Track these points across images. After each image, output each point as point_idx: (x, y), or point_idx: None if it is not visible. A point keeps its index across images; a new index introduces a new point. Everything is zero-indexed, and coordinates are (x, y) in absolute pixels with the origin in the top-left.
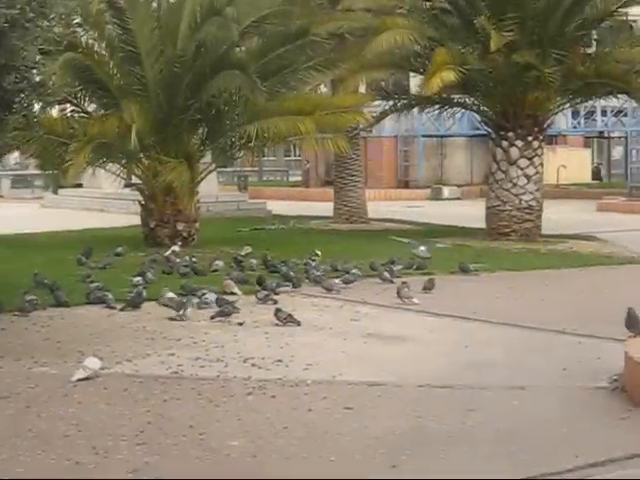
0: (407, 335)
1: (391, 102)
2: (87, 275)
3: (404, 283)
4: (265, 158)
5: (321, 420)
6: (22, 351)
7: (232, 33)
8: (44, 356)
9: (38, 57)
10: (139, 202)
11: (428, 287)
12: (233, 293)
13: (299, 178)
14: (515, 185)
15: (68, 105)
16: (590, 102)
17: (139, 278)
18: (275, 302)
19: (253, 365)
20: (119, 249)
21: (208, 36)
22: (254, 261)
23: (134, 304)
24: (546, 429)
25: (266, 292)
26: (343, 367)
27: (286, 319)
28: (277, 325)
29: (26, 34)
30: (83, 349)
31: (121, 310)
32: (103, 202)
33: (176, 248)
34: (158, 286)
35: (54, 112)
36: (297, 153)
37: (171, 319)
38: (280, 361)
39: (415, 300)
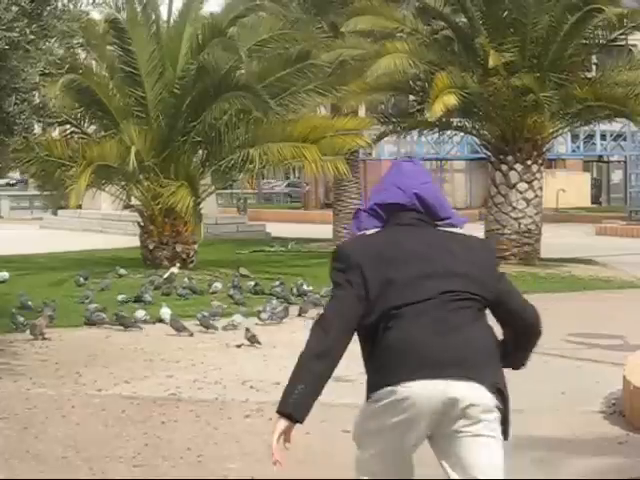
0: None
1: (390, 125)
2: (86, 296)
3: None
4: (264, 180)
5: (320, 443)
6: (20, 372)
7: (237, 53)
8: (42, 377)
9: (38, 79)
10: (138, 223)
11: None
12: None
13: (298, 201)
14: (514, 209)
15: (68, 126)
16: (589, 126)
17: (123, 296)
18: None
19: (251, 387)
20: (118, 270)
21: (210, 58)
22: (251, 283)
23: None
24: (544, 453)
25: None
26: (342, 390)
27: (250, 339)
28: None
29: (27, 56)
30: (81, 370)
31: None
32: (102, 223)
33: (175, 270)
34: (157, 307)
35: (54, 133)
36: (297, 175)
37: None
38: (278, 383)
39: None
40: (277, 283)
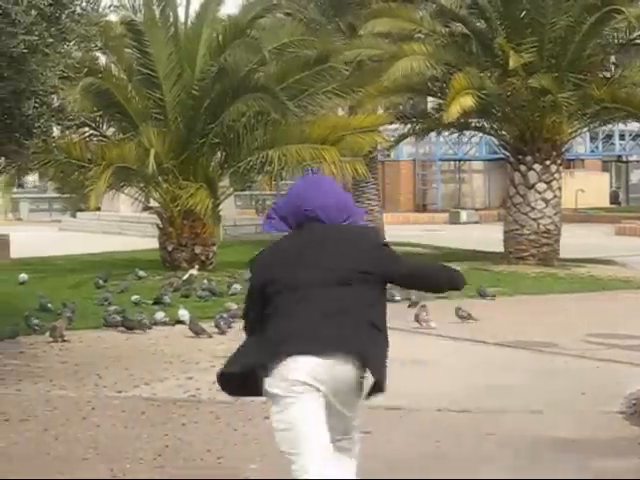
0: (425, 359)
1: (409, 125)
2: (105, 298)
3: (423, 307)
4: (282, 182)
5: None
6: (40, 374)
7: (260, 52)
8: (62, 379)
9: (57, 82)
10: (157, 225)
11: (464, 317)
12: None
13: None
14: (533, 209)
15: (87, 129)
16: (608, 126)
17: (136, 297)
18: None
19: None
20: (137, 272)
21: (230, 59)
22: None
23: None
24: (564, 453)
25: None
26: None
27: None
28: None
29: (46, 59)
30: (101, 372)
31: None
32: (121, 225)
33: (194, 271)
34: (176, 309)
35: (73, 136)
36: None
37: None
38: None
39: (432, 324)
40: None
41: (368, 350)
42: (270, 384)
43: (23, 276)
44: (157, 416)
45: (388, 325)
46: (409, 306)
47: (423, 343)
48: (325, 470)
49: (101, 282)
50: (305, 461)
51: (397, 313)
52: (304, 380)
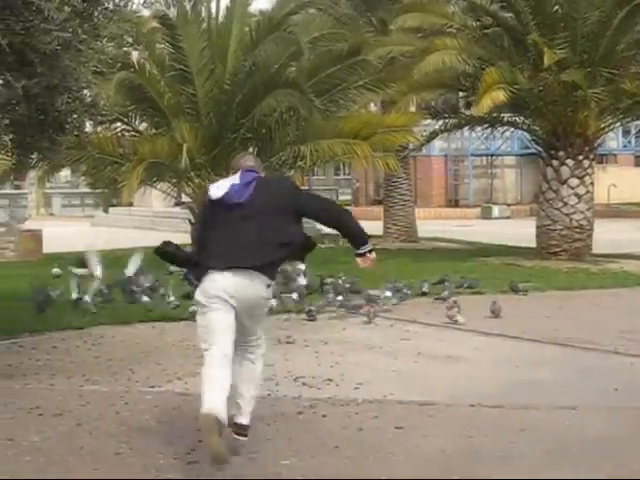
0: (457, 354)
1: (441, 121)
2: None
3: (454, 302)
4: (315, 177)
5: (372, 439)
6: (74, 369)
7: (298, 45)
8: (95, 374)
9: (90, 77)
10: (189, 220)
11: (495, 312)
12: None
13: (348, 197)
14: (566, 204)
15: (119, 124)
16: None
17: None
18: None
19: (304, 384)
20: (169, 267)
21: (261, 54)
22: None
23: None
24: (597, 449)
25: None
26: (394, 386)
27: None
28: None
29: (79, 55)
30: (134, 367)
31: None
32: (153, 220)
33: None
34: None
35: (105, 131)
36: (347, 172)
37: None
38: (331, 380)
39: (461, 319)
40: (328, 280)
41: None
42: (197, 294)
43: (57, 270)
44: (190, 411)
45: (422, 320)
46: (438, 299)
47: (455, 339)
48: (220, 370)
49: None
50: (212, 354)
51: (430, 309)
52: (218, 295)
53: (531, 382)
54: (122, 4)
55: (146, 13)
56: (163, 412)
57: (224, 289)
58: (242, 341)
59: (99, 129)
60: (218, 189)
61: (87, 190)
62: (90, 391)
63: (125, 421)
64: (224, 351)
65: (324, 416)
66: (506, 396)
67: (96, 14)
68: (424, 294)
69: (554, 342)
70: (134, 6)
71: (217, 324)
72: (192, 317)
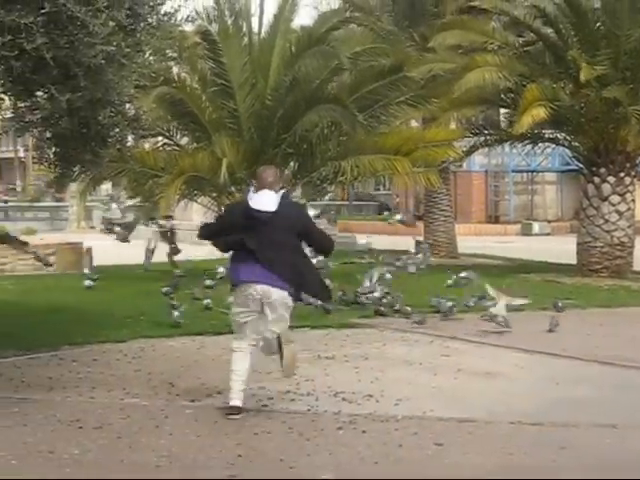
0: (497, 371)
1: (482, 138)
2: (172, 305)
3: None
4: (355, 191)
5: (411, 456)
6: (114, 382)
7: (338, 59)
8: (135, 387)
9: (133, 91)
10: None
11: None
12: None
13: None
14: (607, 221)
15: (160, 138)
16: None
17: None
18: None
19: (343, 399)
20: (208, 282)
21: (302, 69)
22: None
23: None
24: (638, 468)
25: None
26: (433, 403)
27: None
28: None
29: (122, 69)
30: (174, 381)
31: None
32: (193, 234)
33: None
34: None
35: (146, 145)
36: (387, 187)
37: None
38: (370, 396)
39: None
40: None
41: (286, 280)
42: (236, 293)
43: (89, 282)
44: (230, 425)
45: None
46: (485, 317)
47: (495, 355)
48: (243, 360)
49: (169, 290)
50: (239, 342)
51: (470, 325)
52: (252, 294)
53: (571, 400)
54: (165, 19)
55: (188, 28)
56: (203, 426)
57: (255, 291)
58: None
59: (141, 143)
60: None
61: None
62: (130, 404)
63: (165, 435)
64: (249, 341)
65: (364, 432)
66: (546, 413)
67: (139, 29)
68: (467, 310)
69: (594, 360)
70: (177, 21)
71: (245, 317)
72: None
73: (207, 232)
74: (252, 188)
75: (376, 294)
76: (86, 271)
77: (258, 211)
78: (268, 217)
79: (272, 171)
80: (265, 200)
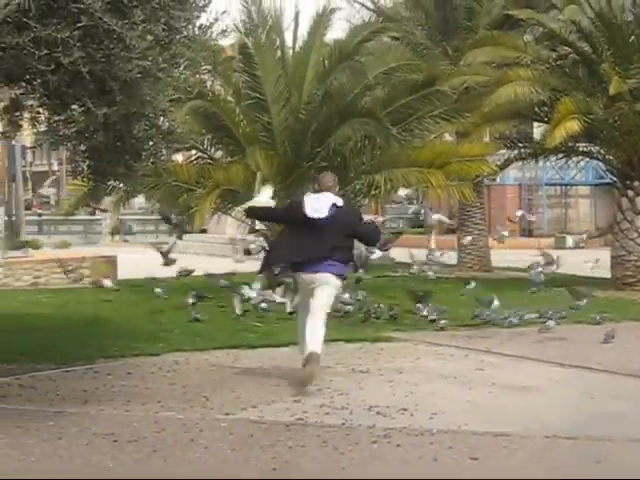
0: (532, 385)
1: (515, 151)
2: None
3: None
4: (389, 205)
5: (447, 470)
6: (148, 395)
7: (365, 76)
8: (170, 401)
9: (167, 105)
10: (263, 248)
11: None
12: None
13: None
14: None
15: (194, 152)
16: None
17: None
18: None
19: (378, 413)
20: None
21: (336, 83)
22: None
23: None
24: None
25: None
26: (468, 417)
27: None
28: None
29: (157, 83)
30: (208, 394)
31: None
32: (226, 248)
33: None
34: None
35: (180, 158)
36: (420, 201)
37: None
38: (405, 410)
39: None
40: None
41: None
42: (296, 277)
43: (158, 290)
44: (264, 439)
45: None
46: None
47: (530, 369)
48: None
49: (193, 300)
50: (302, 315)
51: (503, 339)
52: (306, 279)
53: (607, 414)
54: (201, 32)
55: (222, 42)
56: (238, 440)
57: (307, 277)
58: None
59: (175, 156)
60: (312, 210)
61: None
62: (165, 418)
63: (200, 448)
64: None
65: (398, 446)
66: (581, 428)
67: (175, 41)
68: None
69: (630, 374)
70: (212, 34)
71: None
72: (267, 344)
73: (263, 216)
74: (306, 195)
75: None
76: (107, 284)
77: (313, 219)
78: (321, 222)
79: (331, 177)
80: (318, 206)
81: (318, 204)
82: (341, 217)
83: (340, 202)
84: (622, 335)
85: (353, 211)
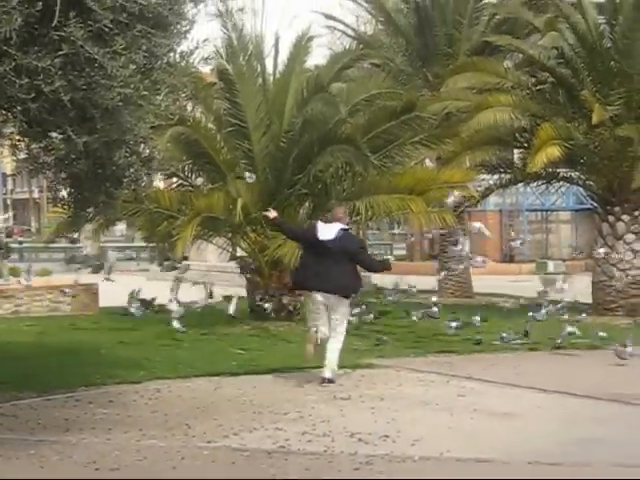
0: (514, 411)
1: (496, 176)
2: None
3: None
4: (369, 231)
5: None
6: (130, 423)
7: (338, 109)
8: (152, 429)
9: (148, 132)
10: (245, 275)
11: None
12: None
13: (403, 252)
14: (622, 260)
15: (175, 179)
16: None
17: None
18: None
19: (360, 440)
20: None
21: (314, 112)
22: None
23: None
24: None
25: None
26: (450, 443)
27: None
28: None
29: (138, 110)
30: (190, 422)
31: None
32: (208, 275)
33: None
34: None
35: (161, 185)
36: (401, 227)
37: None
38: (387, 436)
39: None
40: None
41: (340, 288)
42: (311, 295)
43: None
44: (246, 466)
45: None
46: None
47: (511, 395)
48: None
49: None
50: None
51: (485, 365)
52: (319, 299)
53: (590, 439)
54: (182, 59)
55: (203, 69)
56: (220, 467)
57: (321, 296)
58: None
59: (155, 183)
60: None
61: (142, 244)
62: (147, 446)
63: (182, 476)
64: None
65: (380, 472)
66: (564, 454)
67: (156, 67)
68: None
69: (613, 399)
70: (194, 61)
71: (319, 311)
72: (249, 372)
73: (288, 231)
74: (319, 222)
75: None
76: None
77: (322, 240)
78: (328, 244)
79: (342, 209)
80: (327, 231)
81: (328, 230)
82: (345, 241)
83: (347, 227)
84: (604, 361)
85: (357, 240)
